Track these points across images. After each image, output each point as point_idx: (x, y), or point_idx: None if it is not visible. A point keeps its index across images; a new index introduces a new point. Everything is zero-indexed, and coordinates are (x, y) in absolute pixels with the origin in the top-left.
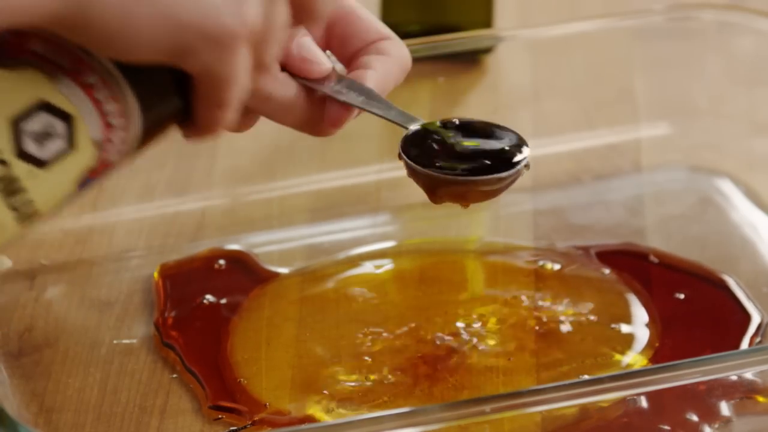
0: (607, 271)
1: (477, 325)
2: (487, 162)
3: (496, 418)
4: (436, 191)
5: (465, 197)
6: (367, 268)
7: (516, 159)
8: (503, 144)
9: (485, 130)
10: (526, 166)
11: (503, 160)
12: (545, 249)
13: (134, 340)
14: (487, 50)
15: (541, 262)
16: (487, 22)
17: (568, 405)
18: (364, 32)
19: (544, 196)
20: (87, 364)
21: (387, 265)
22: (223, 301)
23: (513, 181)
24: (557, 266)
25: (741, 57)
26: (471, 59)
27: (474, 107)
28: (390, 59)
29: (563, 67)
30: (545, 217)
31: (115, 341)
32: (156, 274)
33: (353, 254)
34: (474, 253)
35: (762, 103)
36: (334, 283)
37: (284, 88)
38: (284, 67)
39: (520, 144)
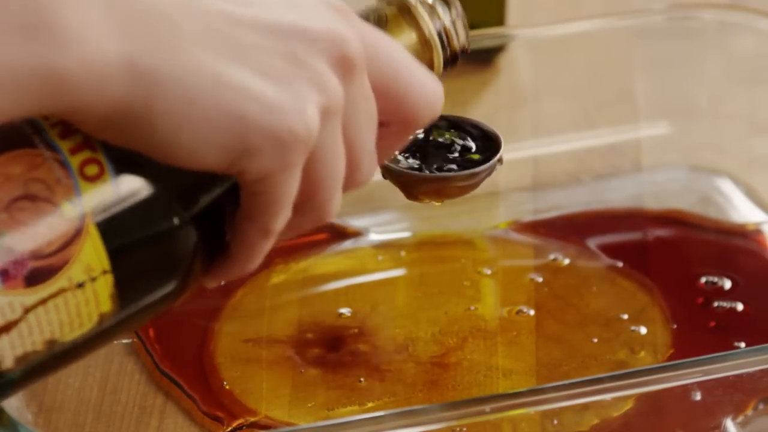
0: (619, 264)
1: (478, 324)
2: (461, 158)
3: (496, 417)
4: (411, 190)
5: (440, 194)
6: (367, 267)
7: (489, 153)
8: (476, 139)
9: (458, 125)
10: (500, 160)
11: (477, 155)
12: (548, 245)
13: (134, 340)
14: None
15: (550, 256)
16: (499, 20)
17: (567, 404)
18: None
19: (544, 195)
20: (87, 363)
21: (387, 264)
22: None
23: (488, 175)
24: (567, 260)
25: (741, 57)
26: (473, 58)
27: (474, 107)
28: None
29: (563, 67)
30: (545, 216)
31: (114, 341)
32: None
33: (352, 253)
34: (476, 250)
35: (762, 102)
36: (332, 282)
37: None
38: None
39: (493, 138)
